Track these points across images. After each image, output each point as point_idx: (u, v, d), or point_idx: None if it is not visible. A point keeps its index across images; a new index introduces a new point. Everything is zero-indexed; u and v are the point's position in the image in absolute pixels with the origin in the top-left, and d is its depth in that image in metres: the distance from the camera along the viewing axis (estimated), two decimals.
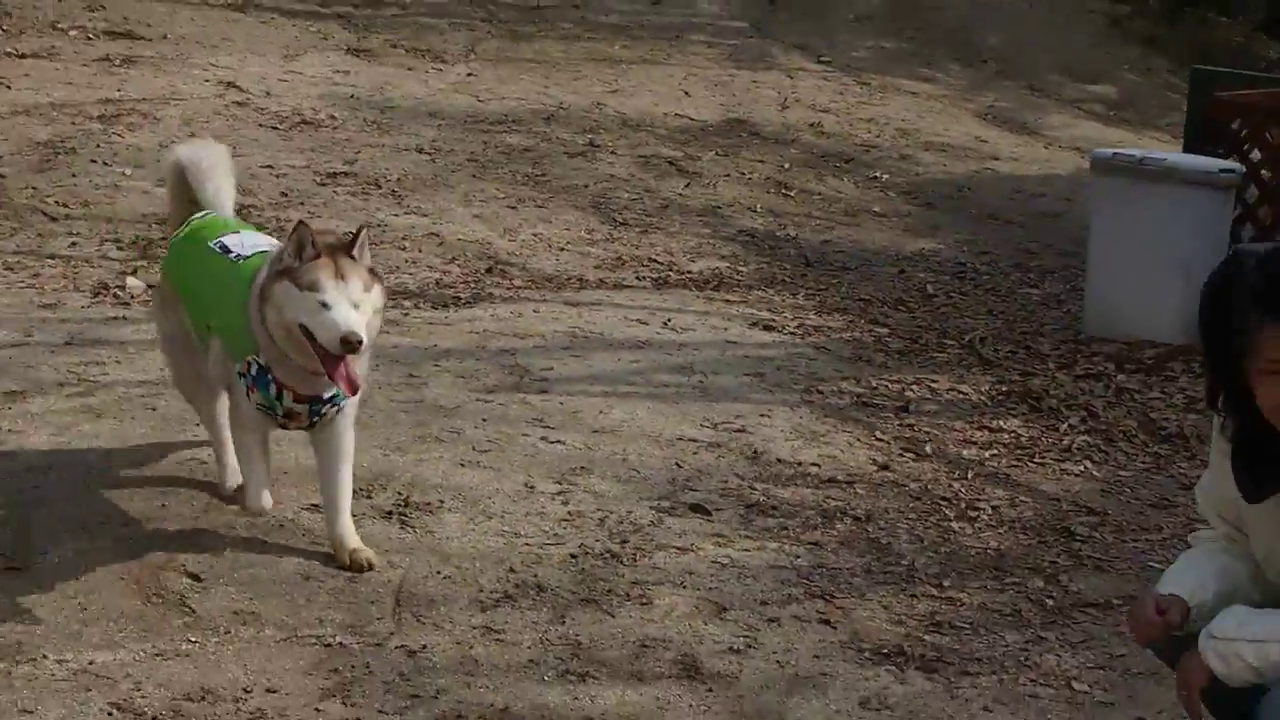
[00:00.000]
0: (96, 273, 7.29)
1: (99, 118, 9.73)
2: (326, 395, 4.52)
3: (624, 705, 4.09)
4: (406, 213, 8.63)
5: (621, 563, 4.85)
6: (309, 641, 4.23)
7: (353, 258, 4.39)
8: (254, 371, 4.48)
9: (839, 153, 10.86)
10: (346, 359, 4.32)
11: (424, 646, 4.27)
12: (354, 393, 4.46)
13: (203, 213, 5.04)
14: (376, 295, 4.44)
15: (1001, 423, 6.43)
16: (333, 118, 10.33)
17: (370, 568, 4.62)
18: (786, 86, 12.39)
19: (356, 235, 4.45)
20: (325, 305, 4.28)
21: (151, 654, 4.11)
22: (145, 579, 4.49)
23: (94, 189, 8.44)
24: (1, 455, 5.21)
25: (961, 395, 6.74)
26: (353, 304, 4.31)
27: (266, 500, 4.69)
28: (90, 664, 4.04)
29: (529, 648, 4.31)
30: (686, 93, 11.95)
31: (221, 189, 5.10)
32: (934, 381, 6.85)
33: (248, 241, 4.81)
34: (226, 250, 4.76)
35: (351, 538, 4.68)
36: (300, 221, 4.45)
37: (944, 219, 9.78)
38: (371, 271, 4.45)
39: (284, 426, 4.63)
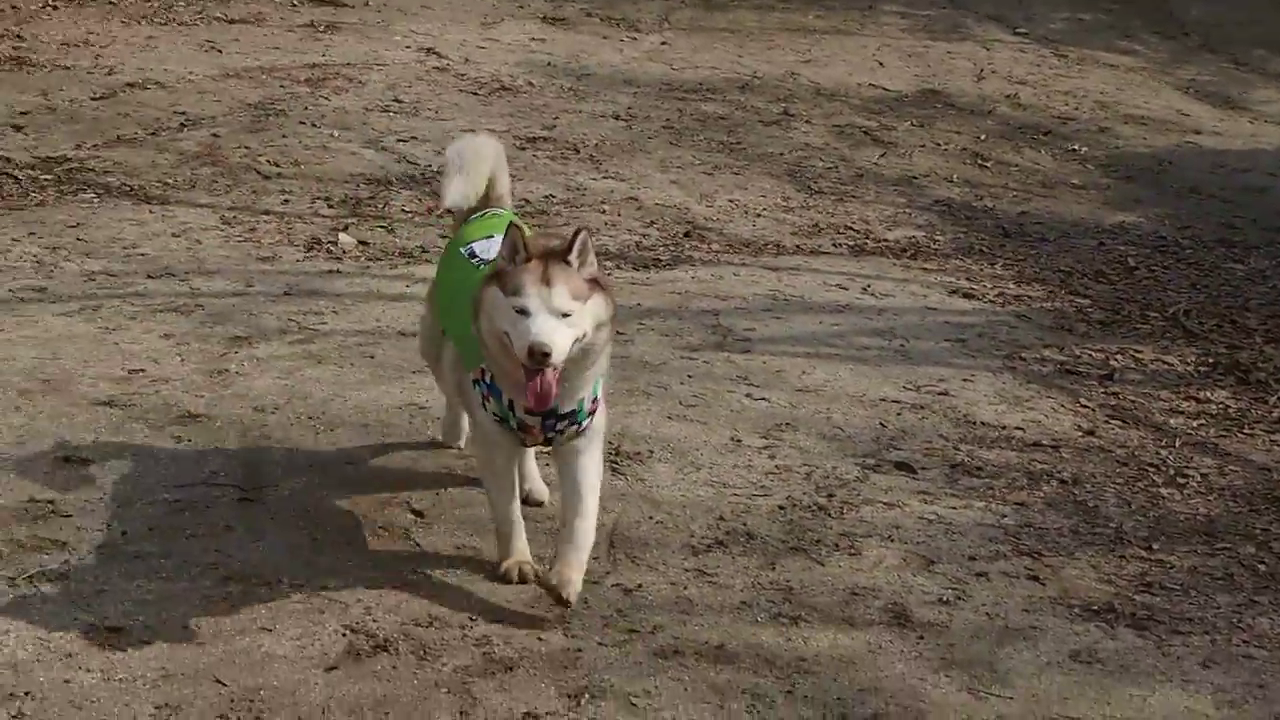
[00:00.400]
0: (309, 229, 7.51)
1: (306, 81, 10.01)
2: (564, 411, 4.10)
3: (836, 648, 4.15)
4: (605, 177, 8.74)
5: (829, 515, 4.91)
6: None
7: (567, 263, 3.95)
8: (488, 379, 4.16)
9: (1036, 124, 10.74)
10: (545, 372, 3.88)
11: (639, 585, 4.37)
12: (540, 407, 3.98)
13: (481, 211, 4.74)
14: (596, 305, 3.98)
15: (1208, 393, 6.35)
16: (530, 84, 10.50)
17: None
18: (982, 58, 12.28)
19: (573, 239, 4.00)
20: (524, 312, 3.88)
21: (380, 582, 4.27)
22: (371, 513, 4.66)
23: (304, 149, 8.68)
24: (232, 396, 5.43)
25: (1167, 366, 6.67)
26: (558, 313, 3.88)
27: (524, 549, 4.29)
28: (323, 589, 4.22)
29: (741, 591, 4.40)
30: (880, 63, 11.92)
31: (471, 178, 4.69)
32: (1138, 352, 6.79)
33: (494, 247, 4.36)
34: (473, 255, 4.49)
35: None
36: (511, 223, 4.12)
37: (1144, 192, 9.62)
38: (594, 281, 4.00)
39: (523, 443, 4.28)
